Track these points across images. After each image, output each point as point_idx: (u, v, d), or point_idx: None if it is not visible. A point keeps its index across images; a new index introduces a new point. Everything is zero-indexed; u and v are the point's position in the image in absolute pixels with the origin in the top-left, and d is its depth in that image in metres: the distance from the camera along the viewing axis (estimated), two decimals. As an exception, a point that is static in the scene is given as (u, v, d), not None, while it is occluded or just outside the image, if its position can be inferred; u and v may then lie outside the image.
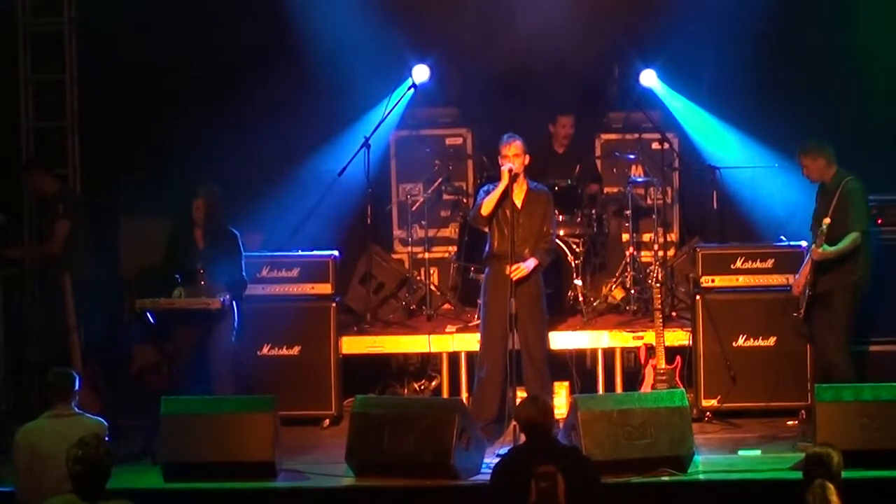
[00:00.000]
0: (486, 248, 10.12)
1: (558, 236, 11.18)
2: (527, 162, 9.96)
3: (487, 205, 9.93)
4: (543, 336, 10.14)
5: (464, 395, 10.58)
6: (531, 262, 9.88)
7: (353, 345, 10.93)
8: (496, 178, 10.08)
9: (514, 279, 9.77)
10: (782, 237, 10.63)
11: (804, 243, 10.13)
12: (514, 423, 9.37)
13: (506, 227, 9.89)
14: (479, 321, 10.37)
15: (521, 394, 9.72)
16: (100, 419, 8.03)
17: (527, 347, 9.92)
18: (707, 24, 11.56)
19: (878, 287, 9.99)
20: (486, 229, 10.08)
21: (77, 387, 8.16)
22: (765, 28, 11.51)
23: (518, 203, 9.96)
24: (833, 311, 9.71)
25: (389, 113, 11.59)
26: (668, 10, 11.53)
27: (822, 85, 11.66)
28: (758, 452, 9.42)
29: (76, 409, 8.09)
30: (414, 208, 12.01)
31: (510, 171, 9.82)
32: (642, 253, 11.76)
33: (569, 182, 11.57)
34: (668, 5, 11.57)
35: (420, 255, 11.96)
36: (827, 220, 9.46)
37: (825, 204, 9.77)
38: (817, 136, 9.91)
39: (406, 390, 11.23)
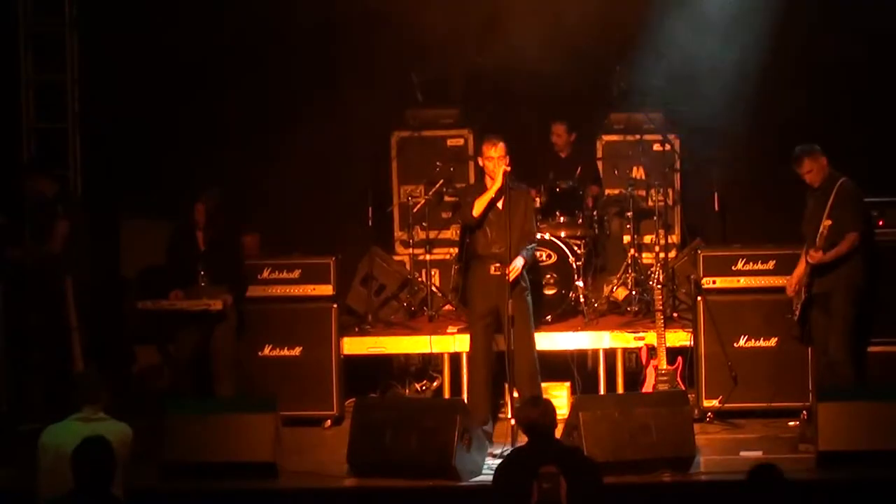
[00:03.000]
0: (469, 249, 10.11)
1: (560, 238, 11.19)
2: (508, 163, 9.93)
3: (479, 206, 9.92)
4: (530, 334, 10.10)
5: (465, 396, 10.57)
6: (519, 262, 9.87)
7: (354, 345, 10.93)
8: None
9: (511, 280, 9.76)
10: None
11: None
12: (511, 422, 9.39)
13: (489, 228, 9.89)
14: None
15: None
16: (125, 424, 7.99)
17: (516, 346, 9.84)
18: (709, 22, 11.58)
19: (878, 288, 9.99)
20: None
21: (100, 388, 8.11)
22: (766, 27, 11.52)
23: (499, 204, 9.93)
24: (832, 312, 9.71)
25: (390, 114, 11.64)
26: (670, 9, 11.55)
27: (823, 85, 11.68)
28: (759, 453, 9.41)
29: (103, 412, 8.05)
30: (415, 210, 12.01)
31: (505, 172, 9.81)
32: (643, 254, 11.75)
33: (570, 183, 11.57)
34: (670, 4, 11.59)
35: (421, 257, 11.94)
36: (828, 222, 9.46)
37: (819, 205, 9.74)
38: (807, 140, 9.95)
39: (407, 391, 11.23)
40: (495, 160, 9.82)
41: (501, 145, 9.86)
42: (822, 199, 9.75)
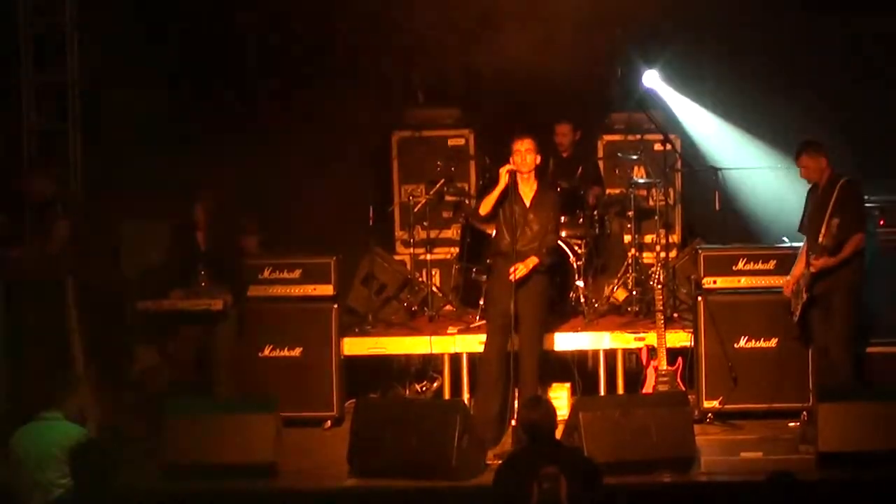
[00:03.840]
0: (494, 247, 10.10)
1: (561, 237, 11.17)
2: (538, 161, 9.94)
3: (486, 205, 9.91)
4: (540, 337, 10.06)
5: (465, 397, 10.58)
6: (530, 262, 9.86)
7: (354, 346, 10.92)
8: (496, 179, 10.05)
9: (515, 279, 9.75)
10: (784, 238, 10.64)
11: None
12: (513, 423, 9.38)
13: (515, 226, 9.87)
14: (481, 321, 10.37)
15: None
16: (78, 427, 7.99)
17: (523, 346, 9.86)
18: (709, 22, 11.58)
19: (878, 288, 9.99)
20: (492, 230, 10.06)
21: (67, 391, 8.12)
22: (765, 26, 11.53)
23: (527, 202, 9.94)
24: (832, 312, 9.70)
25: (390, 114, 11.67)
26: (671, 10, 11.55)
27: (823, 84, 11.68)
28: (759, 454, 9.41)
29: (64, 414, 8.05)
30: (416, 209, 12.00)
31: (509, 172, 9.81)
32: (644, 254, 11.75)
33: (571, 183, 11.56)
34: (670, 5, 11.58)
35: (422, 257, 11.95)
36: (836, 220, 9.43)
37: (820, 205, 9.73)
38: (813, 136, 9.94)
39: (407, 391, 11.22)
40: (522, 153, 9.82)
41: (528, 140, 9.86)
42: (823, 199, 9.73)
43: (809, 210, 9.90)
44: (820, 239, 9.63)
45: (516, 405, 9.52)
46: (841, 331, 9.67)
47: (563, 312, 11.18)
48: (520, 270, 9.75)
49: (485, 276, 10.30)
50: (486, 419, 9.73)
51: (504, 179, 9.82)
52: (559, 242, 11.13)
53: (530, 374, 9.86)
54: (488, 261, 10.25)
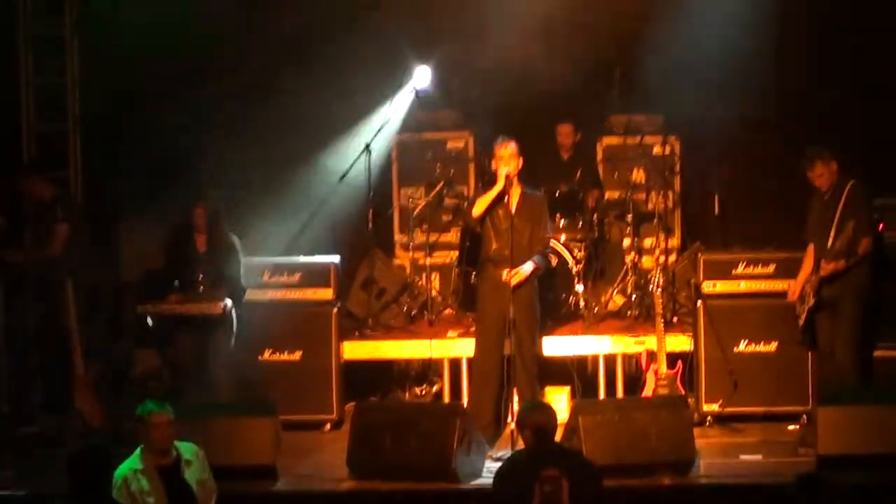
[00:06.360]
0: (482, 252, 10.09)
1: (558, 241, 11.17)
2: (520, 165, 9.92)
3: (479, 206, 9.90)
4: (535, 340, 10.09)
5: (465, 400, 10.55)
6: (528, 267, 9.84)
7: (354, 350, 10.92)
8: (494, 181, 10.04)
9: (513, 284, 9.74)
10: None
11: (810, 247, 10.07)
12: (510, 426, 9.37)
13: (502, 231, 9.86)
14: (478, 326, 10.39)
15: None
16: None
17: (519, 350, 9.84)
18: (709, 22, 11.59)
19: (882, 292, 9.99)
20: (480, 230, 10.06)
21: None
22: (765, 27, 11.54)
23: (512, 207, 9.91)
24: (840, 316, 9.69)
25: (390, 117, 11.62)
26: (670, 10, 11.57)
27: (825, 85, 11.69)
28: (759, 457, 9.40)
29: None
30: (415, 213, 11.99)
31: (507, 175, 9.80)
32: (643, 258, 11.73)
33: (570, 187, 11.56)
34: (670, 5, 11.59)
35: (421, 260, 11.93)
36: (852, 222, 9.42)
37: (829, 209, 9.71)
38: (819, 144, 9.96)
39: (407, 395, 11.21)
40: (506, 159, 9.80)
41: (512, 145, 9.84)
42: (831, 203, 9.71)
43: (815, 215, 9.89)
44: (830, 243, 9.62)
45: (514, 408, 9.51)
46: (848, 334, 9.65)
47: (561, 316, 11.17)
48: (519, 275, 9.74)
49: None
50: (479, 422, 9.71)
51: (502, 182, 9.81)
52: (559, 246, 11.15)
53: (527, 378, 9.86)
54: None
